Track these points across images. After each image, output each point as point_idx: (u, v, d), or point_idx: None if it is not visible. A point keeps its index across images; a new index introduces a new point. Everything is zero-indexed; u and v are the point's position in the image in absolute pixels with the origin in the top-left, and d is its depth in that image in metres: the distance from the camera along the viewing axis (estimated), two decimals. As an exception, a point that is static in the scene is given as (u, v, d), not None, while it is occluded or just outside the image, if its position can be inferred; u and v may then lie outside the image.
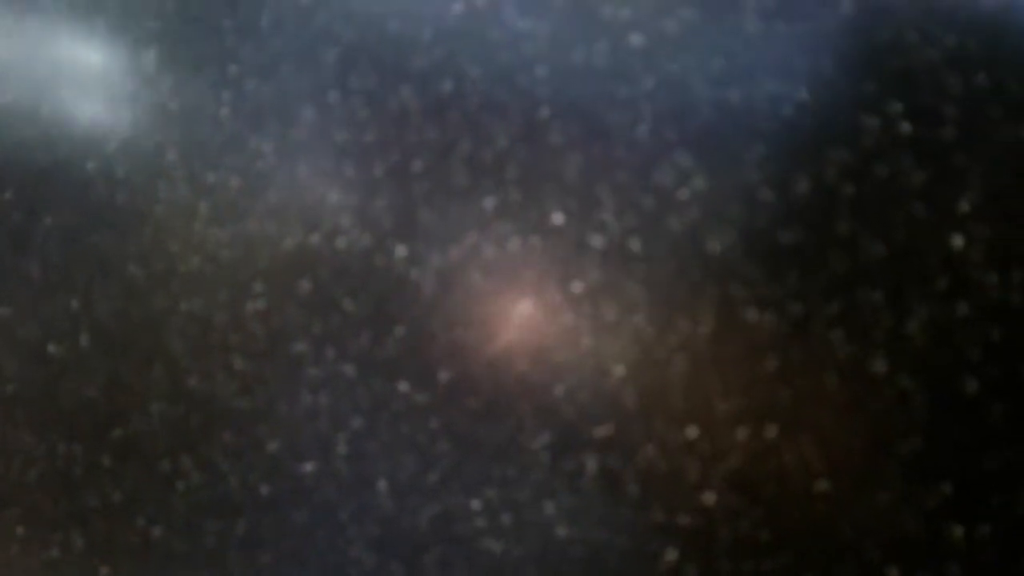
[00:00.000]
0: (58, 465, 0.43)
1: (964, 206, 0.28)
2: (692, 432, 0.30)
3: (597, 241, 0.33)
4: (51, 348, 0.43)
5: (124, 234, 0.41)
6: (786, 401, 0.29)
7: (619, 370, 0.32)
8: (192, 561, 0.40)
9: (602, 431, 0.32)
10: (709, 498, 0.30)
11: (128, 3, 0.42)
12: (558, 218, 0.33)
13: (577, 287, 0.33)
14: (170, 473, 0.40)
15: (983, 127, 0.28)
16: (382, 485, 0.36)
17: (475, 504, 0.34)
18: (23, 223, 0.43)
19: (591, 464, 0.32)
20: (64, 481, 0.43)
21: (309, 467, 0.38)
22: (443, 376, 0.35)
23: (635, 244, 0.32)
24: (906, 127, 0.28)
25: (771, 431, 0.29)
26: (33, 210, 0.43)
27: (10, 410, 0.44)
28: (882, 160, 0.29)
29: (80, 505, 0.42)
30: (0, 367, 0.44)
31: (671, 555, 0.30)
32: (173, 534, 0.40)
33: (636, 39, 0.32)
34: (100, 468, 0.42)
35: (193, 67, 0.41)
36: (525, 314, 0.34)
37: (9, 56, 0.43)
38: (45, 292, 0.43)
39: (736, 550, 0.29)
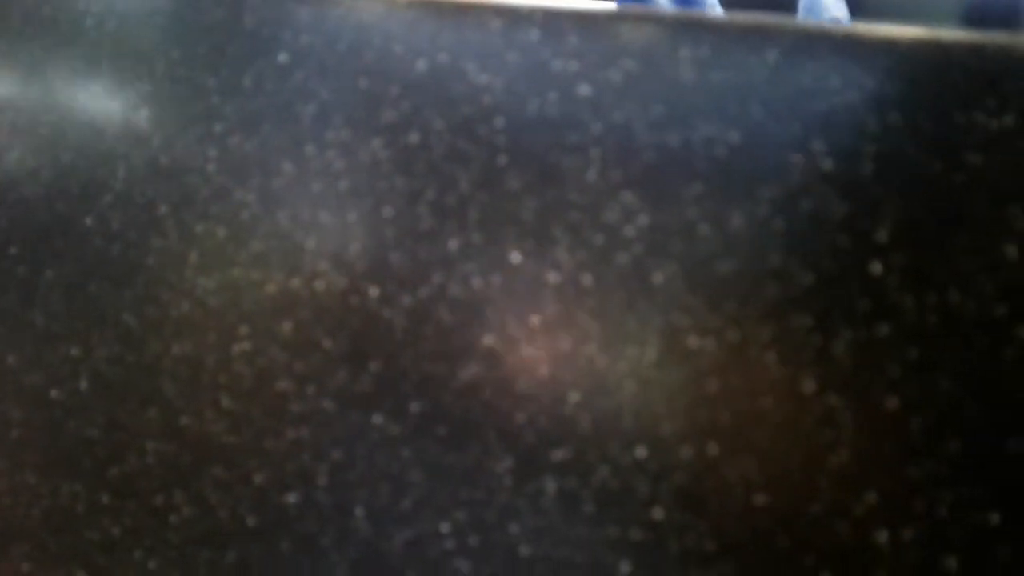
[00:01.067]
0: (61, 503, 0.44)
1: (882, 236, 0.29)
2: (641, 452, 0.32)
3: (553, 277, 0.34)
4: (53, 393, 0.44)
5: (119, 284, 0.43)
6: (726, 421, 0.30)
7: (574, 396, 0.33)
8: (185, 591, 0.41)
9: (560, 454, 0.33)
10: (658, 513, 0.31)
11: (122, 68, 0.45)
12: (516, 257, 0.35)
13: (535, 321, 0.34)
14: (164, 507, 0.42)
15: (898, 162, 0.30)
16: (360, 512, 0.37)
17: (445, 527, 0.35)
18: (27, 276, 0.45)
19: (550, 485, 0.33)
20: (67, 518, 0.44)
21: (293, 498, 0.39)
22: (414, 407, 0.36)
23: (587, 279, 0.33)
24: (828, 163, 0.30)
25: (713, 449, 0.31)
26: (36, 264, 0.44)
27: (16, 453, 0.45)
28: (807, 195, 0.30)
29: (82, 541, 0.43)
30: (6, 413, 0.45)
31: (625, 568, 0.32)
32: (168, 566, 0.42)
33: (584, 89, 0.34)
34: (100, 505, 0.43)
35: (182, 125, 0.42)
36: (488, 347, 0.35)
37: (14, 119, 0.45)
38: (48, 341, 0.44)
39: (684, 561, 0.30)
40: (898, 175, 0.30)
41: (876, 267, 0.29)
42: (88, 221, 0.44)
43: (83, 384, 0.44)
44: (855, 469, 0.29)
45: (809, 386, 0.29)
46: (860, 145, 0.30)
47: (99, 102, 0.46)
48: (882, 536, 0.28)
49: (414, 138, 0.39)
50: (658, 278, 0.32)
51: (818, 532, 0.29)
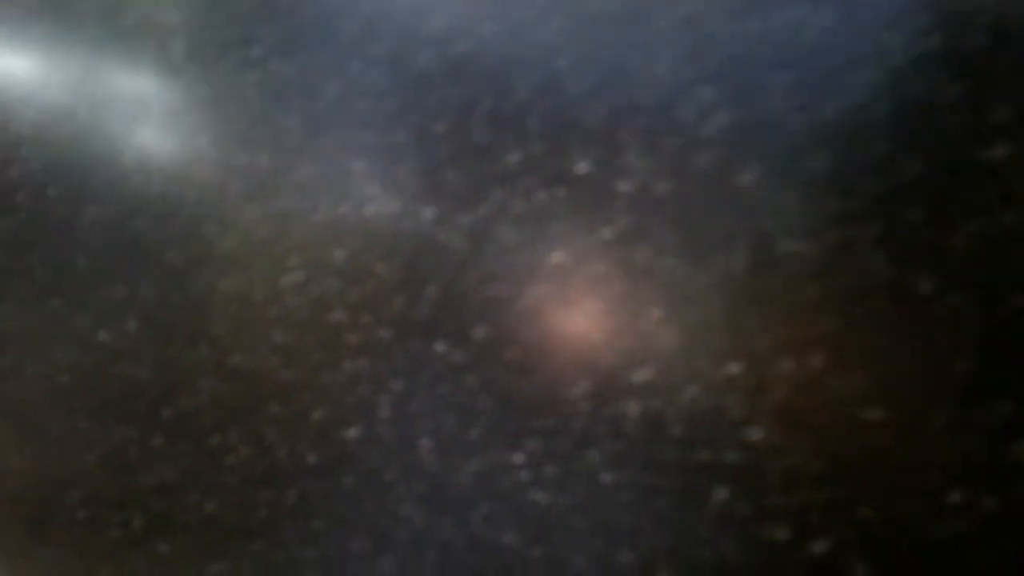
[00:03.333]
0: (114, 448, 0.40)
1: (1002, 115, 0.24)
2: (734, 368, 0.27)
3: (624, 186, 0.30)
4: (101, 335, 0.40)
5: (162, 221, 0.39)
6: (830, 329, 0.26)
7: (655, 312, 0.29)
8: (247, 533, 0.38)
9: (642, 375, 0.29)
10: (756, 433, 0.27)
11: (151, 1, 0.40)
12: (583, 167, 0.30)
13: (607, 234, 0.30)
14: (220, 448, 0.38)
15: (1016, 33, 0.25)
16: (425, 444, 0.33)
17: (518, 457, 0.31)
18: (68, 217, 0.41)
19: (633, 409, 0.29)
20: (120, 463, 0.40)
21: (354, 432, 0.35)
22: (478, 333, 0.32)
23: (662, 186, 0.29)
24: (935, 39, 0.25)
25: (816, 361, 0.26)
26: (76, 204, 0.41)
27: (66, 397, 0.41)
28: (912, 76, 0.25)
29: (137, 485, 0.40)
30: (55, 357, 0.41)
31: (721, 494, 0.27)
32: (226, 508, 0.38)
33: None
34: (153, 448, 0.39)
35: (217, 52, 0.38)
36: (556, 265, 0.31)
37: (46, 62, 0.41)
38: (92, 282, 0.40)
39: (788, 485, 0.26)
40: (1019, 46, 0.25)
41: (996, 151, 0.25)
42: (126, 160, 0.40)
43: (131, 325, 0.41)
44: (984, 377, 0.24)
45: (926, 286, 0.25)
46: (973, 17, 0.25)
47: (130, 35, 0.41)
48: (1019, 449, 0.23)
49: (463, 46, 0.34)
50: (744, 179, 0.28)
51: (943, 448, 0.24)
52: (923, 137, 0.24)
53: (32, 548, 0.43)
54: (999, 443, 0.24)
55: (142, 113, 0.39)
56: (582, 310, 0.30)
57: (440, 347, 0.32)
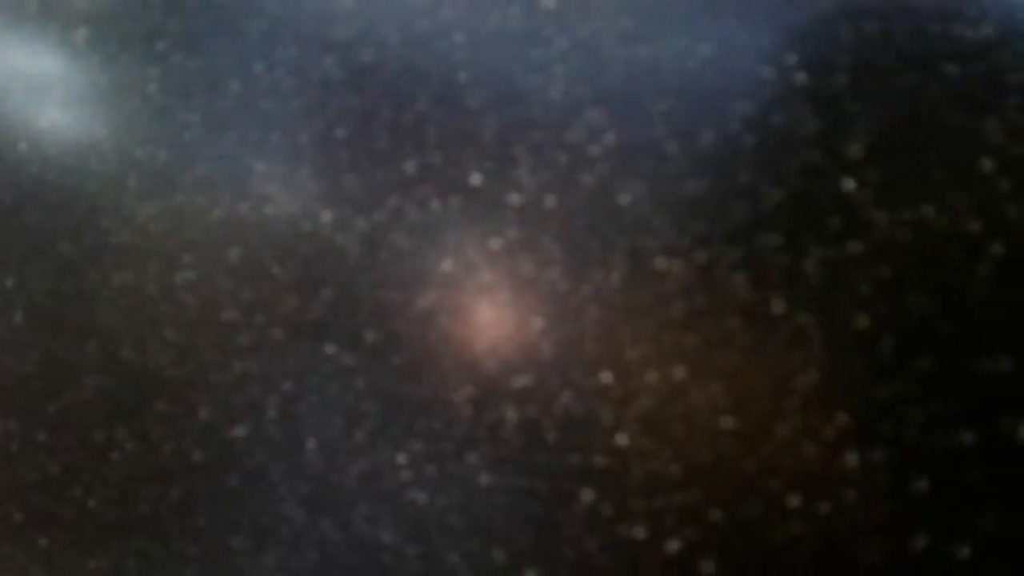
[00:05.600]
0: (-6, 441, 0.42)
1: (855, 151, 0.28)
2: (605, 378, 0.30)
3: (514, 199, 0.32)
4: (-15, 326, 0.42)
5: (56, 211, 0.40)
6: (693, 344, 0.29)
7: (537, 323, 0.32)
8: (129, 529, 0.39)
9: (521, 381, 0.32)
10: (622, 439, 0.30)
11: (56, -15, 0.42)
12: (476, 178, 0.33)
13: (495, 244, 0.33)
14: (105, 444, 0.40)
15: (873, 75, 0.28)
16: (311, 445, 0.36)
17: (401, 458, 0.34)
18: (-44, 204, 0.42)
19: (511, 414, 0.32)
20: (2, 456, 0.42)
21: (240, 431, 0.37)
22: (368, 337, 0.35)
23: (550, 200, 0.32)
24: (801, 77, 0.29)
25: (679, 373, 0.29)
26: (-34, 191, 0.42)
27: (-54, 390, 0.43)
28: (779, 110, 0.29)
29: (17, 480, 0.41)
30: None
31: (588, 496, 0.30)
32: (109, 504, 0.40)
33: (547, 2, 0.32)
34: (36, 443, 0.41)
35: (121, 43, 0.40)
36: (446, 273, 0.34)
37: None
38: (-21, 271, 0.42)
39: (648, 487, 0.29)
40: (872, 88, 0.29)
41: (848, 183, 0.28)
42: (22, 147, 0.42)
43: (17, 316, 0.42)
44: (824, 390, 0.28)
45: (778, 306, 0.28)
46: (834, 57, 0.29)
47: (31, 20, 0.43)
48: (852, 459, 0.27)
49: (368, 55, 0.36)
50: (625, 199, 0.31)
51: (786, 455, 0.28)
52: (783, 169, 0.28)
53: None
54: (833, 453, 0.27)
55: (39, 101, 0.41)
56: (469, 318, 0.33)
57: (331, 349, 0.35)
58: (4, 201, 0.39)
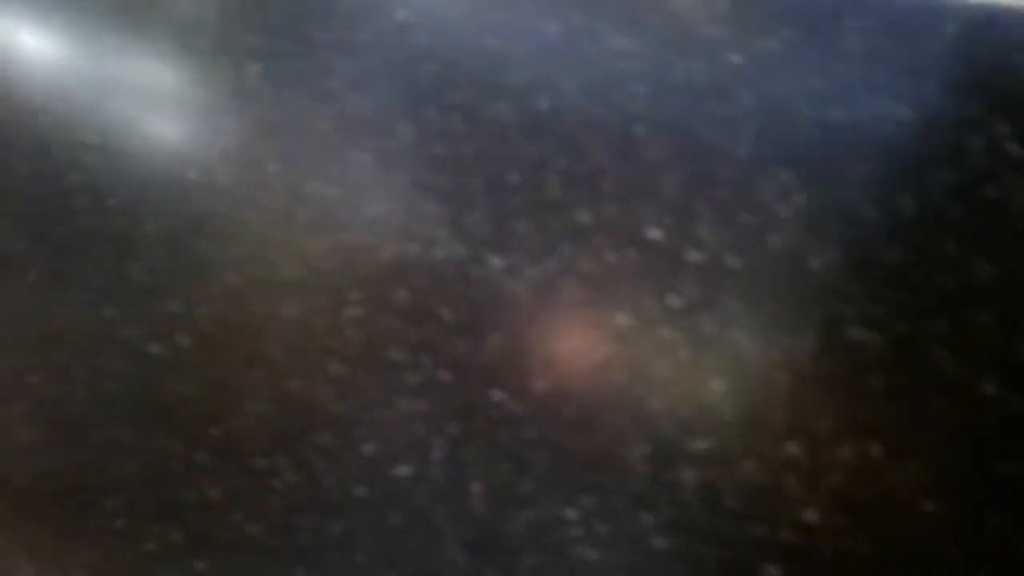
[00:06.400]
0: (156, 460, 0.43)
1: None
2: (793, 448, 0.30)
3: (694, 256, 0.32)
4: (152, 348, 0.43)
5: (224, 241, 0.41)
6: (891, 420, 0.28)
7: (718, 385, 0.31)
8: (288, 558, 0.40)
9: (700, 444, 0.31)
10: (811, 515, 0.29)
11: (231, 21, 0.43)
12: (654, 233, 0.33)
13: (674, 301, 0.32)
14: (266, 472, 0.40)
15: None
16: (476, 490, 0.36)
17: (570, 513, 0.34)
18: (126, 228, 0.43)
19: (689, 477, 0.31)
20: (163, 476, 0.43)
21: (404, 470, 0.37)
22: (538, 386, 0.35)
23: (734, 260, 0.31)
24: (1014, 148, 0.27)
25: (875, 449, 0.28)
26: (136, 216, 0.43)
27: (111, 405, 0.44)
28: (989, 181, 0.27)
29: (178, 500, 0.42)
30: (102, 366, 0.44)
31: (773, 571, 0.30)
32: (269, 531, 0.40)
33: (735, 58, 0.32)
34: (197, 465, 0.42)
35: (294, 81, 0.41)
36: (621, 326, 0.33)
37: (117, 71, 0.44)
38: (147, 295, 0.43)
39: (839, 568, 0.28)
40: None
41: (1068, 263, 0.27)
42: (192, 175, 0.43)
43: (183, 340, 0.43)
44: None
45: (989, 388, 0.27)
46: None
47: (205, 55, 0.44)
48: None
49: (543, 103, 0.36)
50: (817, 263, 0.30)
51: (994, 547, 0.27)
52: (996, 242, 0.27)
53: (64, 552, 0.45)
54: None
55: (212, 132, 0.42)
56: (644, 374, 0.32)
57: (498, 395, 0.35)
58: (171, 229, 0.40)
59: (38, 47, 0.44)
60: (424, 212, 0.36)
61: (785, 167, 0.29)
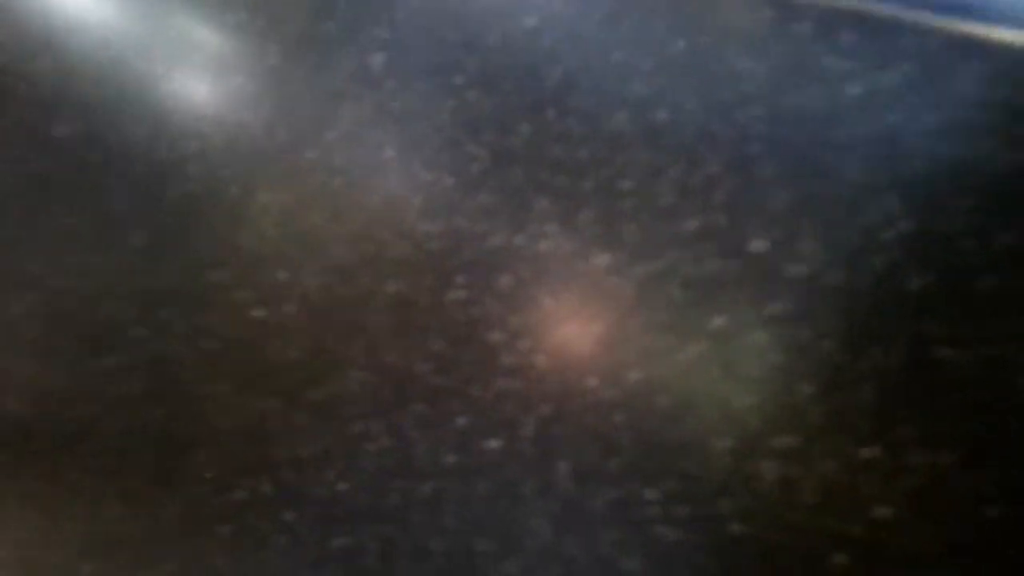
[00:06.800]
0: (252, 418, 0.46)
1: None
2: (871, 452, 0.32)
3: (795, 270, 0.34)
4: (257, 312, 0.46)
5: (336, 218, 0.44)
6: (966, 432, 0.30)
7: (806, 388, 0.34)
8: (376, 516, 0.43)
9: (783, 441, 0.34)
10: (882, 512, 0.32)
11: (359, 10, 0.46)
12: (758, 245, 0.35)
13: (772, 309, 0.35)
14: (361, 435, 0.43)
15: None
16: (563, 467, 0.38)
17: (652, 494, 0.36)
18: (239, 198, 0.46)
19: (770, 470, 0.34)
20: (256, 433, 0.46)
21: (495, 444, 0.40)
22: (632, 376, 0.37)
23: (833, 276, 0.34)
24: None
25: (947, 458, 0.31)
26: (249, 188, 0.46)
27: (209, 364, 0.47)
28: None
29: (271, 455, 0.45)
30: (205, 325, 0.47)
31: (840, 559, 0.32)
32: (359, 490, 0.43)
33: (854, 88, 0.34)
34: (293, 425, 0.44)
35: (418, 72, 0.43)
36: (717, 328, 0.36)
37: (242, 47, 0.46)
38: (255, 262, 0.46)
39: (905, 562, 0.31)
40: None
41: None
42: (310, 154, 0.46)
43: (289, 307, 0.46)
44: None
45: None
46: None
47: (332, 42, 0.47)
48: None
49: (663, 115, 0.39)
50: (913, 285, 0.33)
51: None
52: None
53: (153, 497, 0.48)
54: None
55: (331, 115, 0.44)
56: (736, 373, 0.35)
57: (592, 382, 0.37)
58: (284, 202, 0.43)
59: (162, 20, 0.47)
60: (535, 207, 0.39)
61: (893, 193, 0.32)
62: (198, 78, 0.43)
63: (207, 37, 0.43)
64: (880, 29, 0.30)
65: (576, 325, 0.36)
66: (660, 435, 0.33)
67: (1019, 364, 0.27)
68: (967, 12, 0.30)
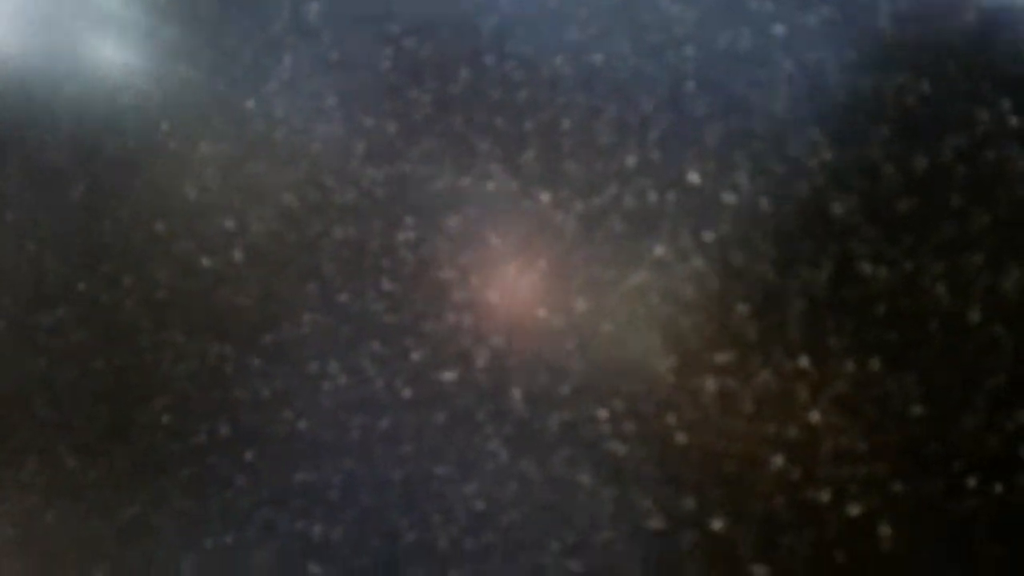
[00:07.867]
0: (208, 364, 0.46)
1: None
2: (804, 361, 0.34)
3: (729, 198, 0.36)
4: (204, 261, 0.46)
5: (280, 166, 0.44)
6: (891, 340, 0.33)
7: (742, 308, 0.36)
8: (337, 450, 0.43)
9: (723, 358, 0.36)
10: (814, 416, 0.34)
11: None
12: (694, 177, 0.37)
13: (708, 237, 0.37)
14: (317, 374, 0.43)
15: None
16: (516, 394, 0.40)
17: (602, 413, 0.38)
18: (180, 150, 0.46)
19: (711, 384, 0.36)
20: (213, 378, 0.46)
21: (449, 375, 0.41)
22: (580, 305, 0.38)
23: (765, 203, 0.36)
24: (1014, 120, 0.32)
25: (875, 364, 0.33)
26: (191, 140, 0.46)
27: (161, 313, 0.46)
28: (991, 146, 0.32)
29: (228, 399, 0.45)
30: (152, 275, 0.47)
31: (778, 462, 0.34)
32: (318, 427, 0.43)
33: (778, 29, 0.36)
34: (249, 368, 0.44)
35: (354, 22, 0.44)
36: (658, 257, 0.38)
37: (176, 6, 0.45)
38: (199, 212, 0.46)
39: (836, 460, 0.33)
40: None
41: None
42: (250, 104, 0.45)
43: (236, 255, 0.46)
44: (1010, 392, 0.31)
45: (974, 317, 0.32)
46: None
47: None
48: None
49: (598, 58, 0.40)
50: (838, 209, 0.35)
51: (969, 444, 0.32)
52: (993, 198, 0.32)
53: (110, 446, 0.47)
54: (1014, 444, 0.32)
55: (271, 64, 0.44)
56: (676, 299, 0.37)
57: (542, 313, 0.39)
58: (225, 151, 0.43)
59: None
60: (479, 149, 0.40)
61: (816, 126, 0.34)
62: (133, 32, 0.43)
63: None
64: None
65: (523, 260, 0.37)
66: (607, 359, 0.35)
67: (936, 276, 0.29)
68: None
